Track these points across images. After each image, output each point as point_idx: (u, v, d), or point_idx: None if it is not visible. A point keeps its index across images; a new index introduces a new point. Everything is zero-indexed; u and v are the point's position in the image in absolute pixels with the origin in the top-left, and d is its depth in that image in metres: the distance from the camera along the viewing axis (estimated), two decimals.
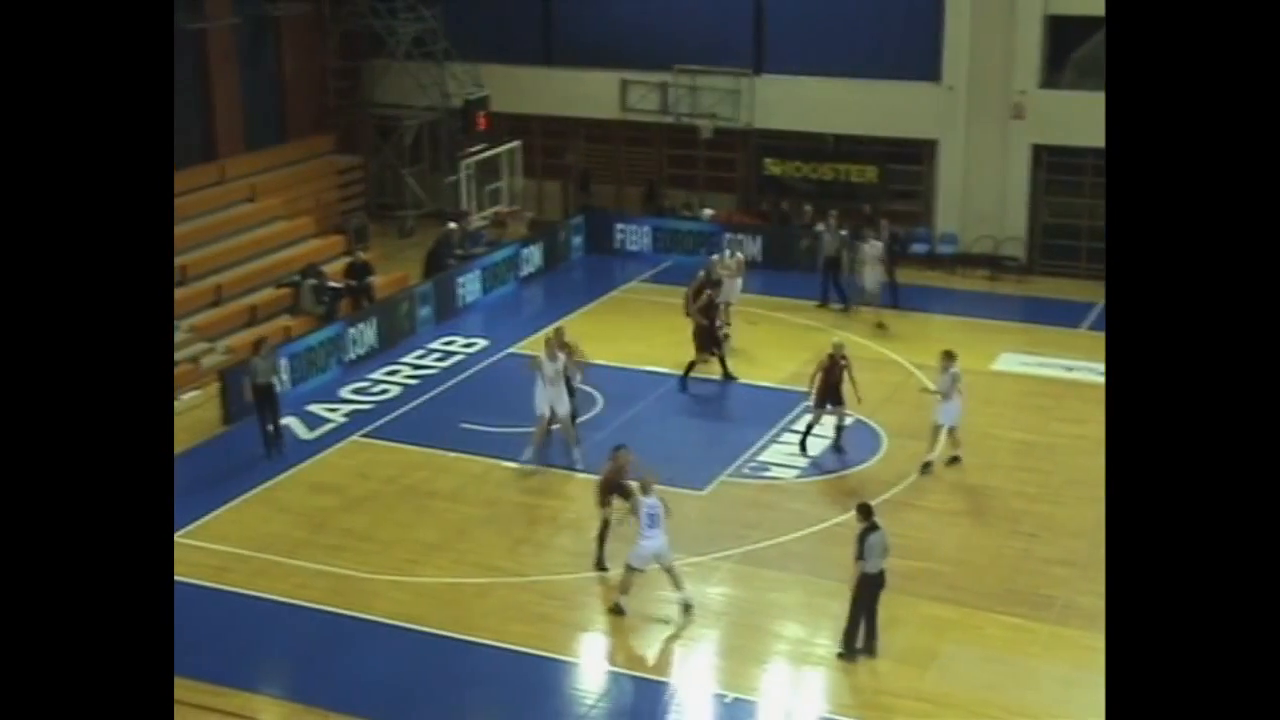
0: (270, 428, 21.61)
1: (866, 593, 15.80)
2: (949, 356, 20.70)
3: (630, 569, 16.84)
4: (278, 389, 22.15)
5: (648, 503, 16.68)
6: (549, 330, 22.99)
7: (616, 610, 16.92)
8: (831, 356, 21.24)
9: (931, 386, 21.05)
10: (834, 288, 28.20)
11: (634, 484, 17.21)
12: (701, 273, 25.35)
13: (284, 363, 23.72)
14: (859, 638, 15.93)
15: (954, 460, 20.78)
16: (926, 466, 20.64)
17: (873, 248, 26.99)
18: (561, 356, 20.99)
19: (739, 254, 27.66)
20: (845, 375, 21.16)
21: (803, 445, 21.34)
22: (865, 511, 16.03)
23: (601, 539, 17.80)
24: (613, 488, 17.75)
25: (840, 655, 15.98)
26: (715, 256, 26.60)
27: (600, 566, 17.81)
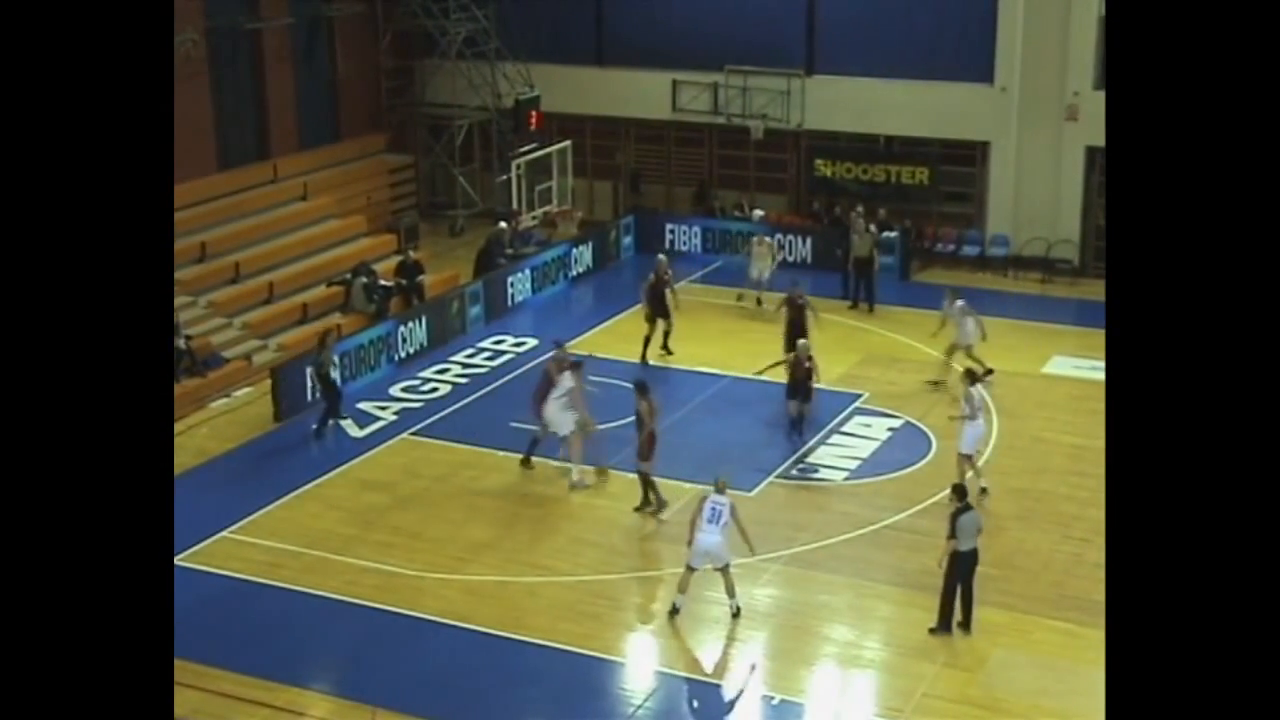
0: (330, 420, 22.36)
1: (958, 570, 16.30)
2: (970, 377, 20.43)
3: (688, 569, 16.85)
4: (337, 382, 22.79)
5: (715, 499, 16.70)
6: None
7: (674, 611, 16.89)
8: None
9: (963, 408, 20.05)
10: (864, 289, 28.06)
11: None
12: (651, 276, 25.42)
13: (334, 359, 23.93)
14: (954, 614, 16.43)
15: (982, 491, 19.60)
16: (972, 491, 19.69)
17: (961, 305, 23.99)
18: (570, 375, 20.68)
19: (767, 239, 28.53)
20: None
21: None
22: (960, 492, 16.54)
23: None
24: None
25: (932, 630, 16.41)
26: (662, 257, 26.31)
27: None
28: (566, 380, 20.52)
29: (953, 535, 16.22)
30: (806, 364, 21.89)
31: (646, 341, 24.87)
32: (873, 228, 28.62)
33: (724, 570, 16.82)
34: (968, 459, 19.71)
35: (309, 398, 22.80)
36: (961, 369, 21.03)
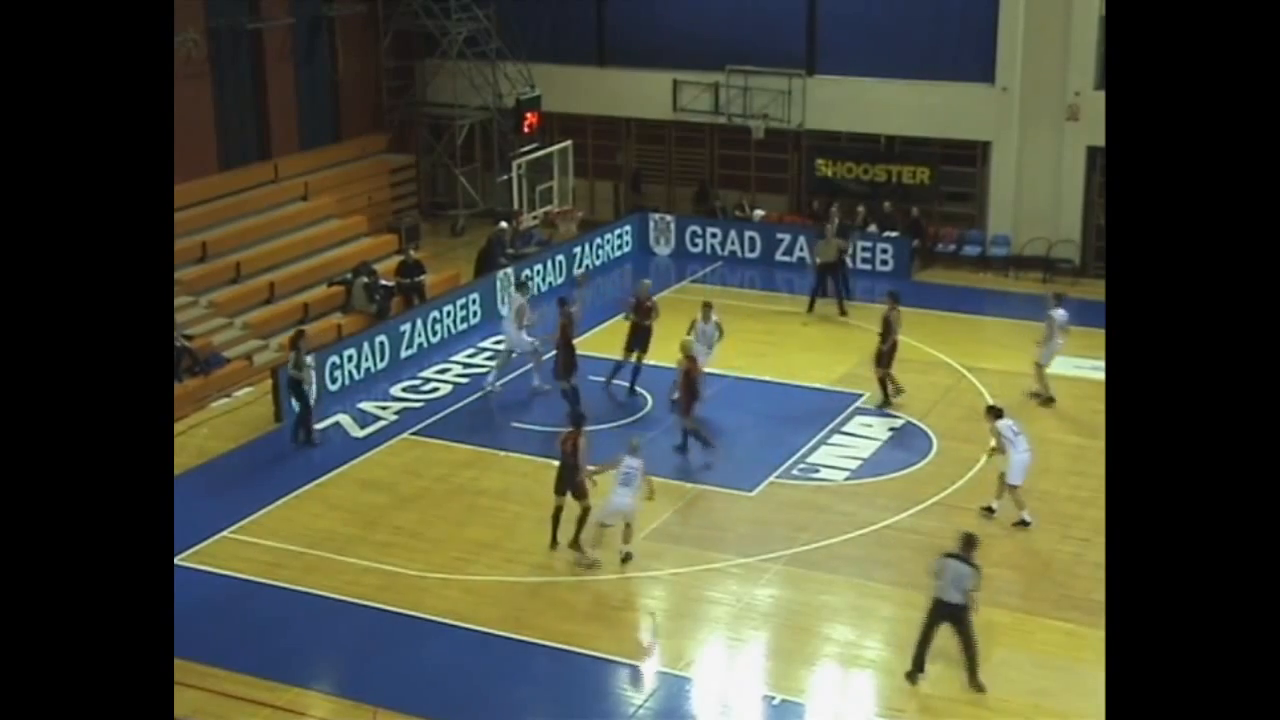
0: (303, 431, 21.88)
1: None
2: (993, 412, 19.47)
3: (599, 525, 17.80)
4: (308, 387, 21.94)
5: (629, 462, 17.69)
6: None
7: (593, 565, 17.93)
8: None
9: (992, 442, 19.44)
10: (836, 289, 27.67)
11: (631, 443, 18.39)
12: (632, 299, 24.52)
13: (335, 360, 23.91)
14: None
15: (989, 510, 19.26)
16: (990, 510, 19.32)
17: (1058, 316, 23.17)
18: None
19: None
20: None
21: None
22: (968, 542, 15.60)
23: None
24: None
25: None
26: (646, 281, 25.65)
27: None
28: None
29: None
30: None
31: (617, 368, 23.81)
32: (832, 228, 28.32)
33: (628, 526, 18.01)
34: (1015, 490, 19.06)
35: (290, 403, 22.60)
36: (989, 403, 20.55)
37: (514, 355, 24.11)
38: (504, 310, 24.79)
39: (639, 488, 17.83)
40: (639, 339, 23.84)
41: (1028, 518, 19.11)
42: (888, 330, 23.03)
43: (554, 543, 18.52)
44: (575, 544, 18.22)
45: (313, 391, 22.07)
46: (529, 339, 23.76)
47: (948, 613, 15.28)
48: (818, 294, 27.84)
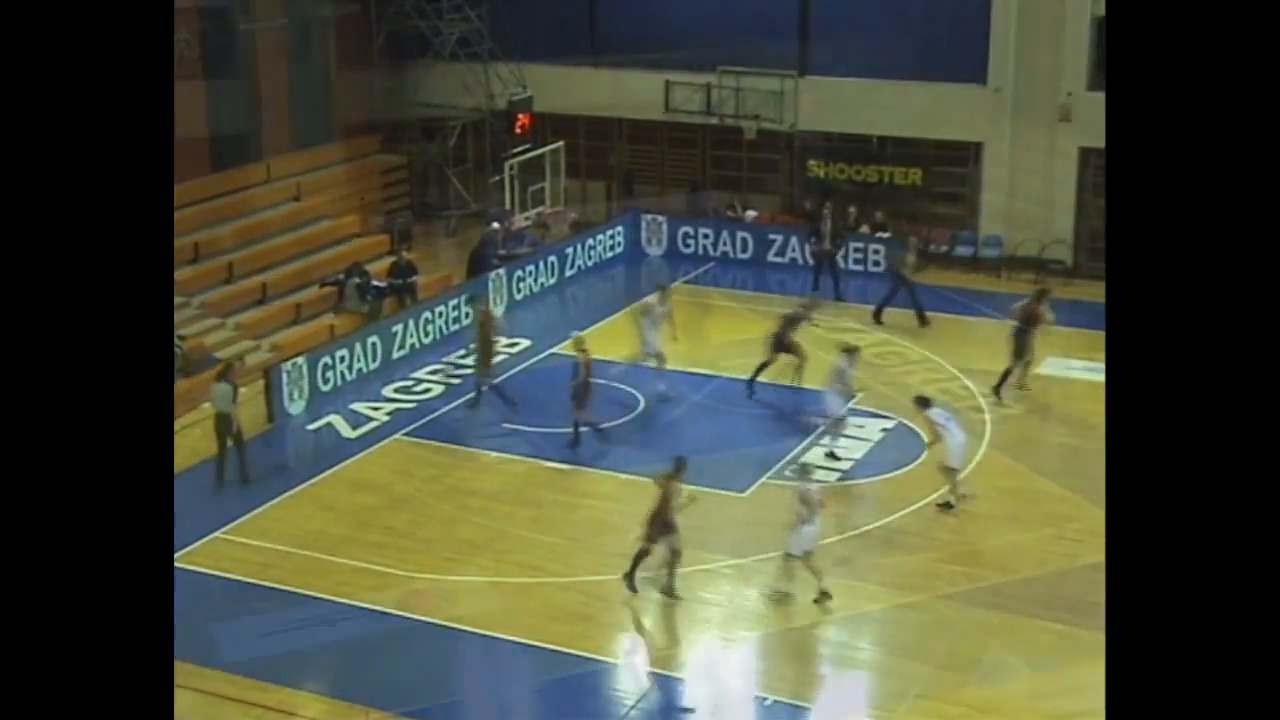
0: (236, 457, 20.68)
1: None
2: (921, 402, 19.91)
3: (790, 556, 16.98)
4: (234, 419, 20.59)
5: (811, 488, 17.00)
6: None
7: (776, 596, 17.12)
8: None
9: (925, 435, 19.88)
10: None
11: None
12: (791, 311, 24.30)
13: (327, 360, 23.84)
14: None
15: (946, 506, 19.46)
16: (947, 506, 19.53)
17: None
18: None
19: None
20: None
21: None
22: None
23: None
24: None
25: None
26: (809, 299, 25.39)
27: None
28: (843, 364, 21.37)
29: None
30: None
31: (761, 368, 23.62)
32: (914, 241, 28.27)
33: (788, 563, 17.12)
34: (952, 471, 19.37)
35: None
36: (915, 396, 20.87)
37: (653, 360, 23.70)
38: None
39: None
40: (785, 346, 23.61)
41: (954, 501, 19.34)
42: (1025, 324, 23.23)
43: (670, 591, 17.24)
44: (668, 588, 17.15)
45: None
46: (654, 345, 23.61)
47: None
48: (919, 304, 27.12)
